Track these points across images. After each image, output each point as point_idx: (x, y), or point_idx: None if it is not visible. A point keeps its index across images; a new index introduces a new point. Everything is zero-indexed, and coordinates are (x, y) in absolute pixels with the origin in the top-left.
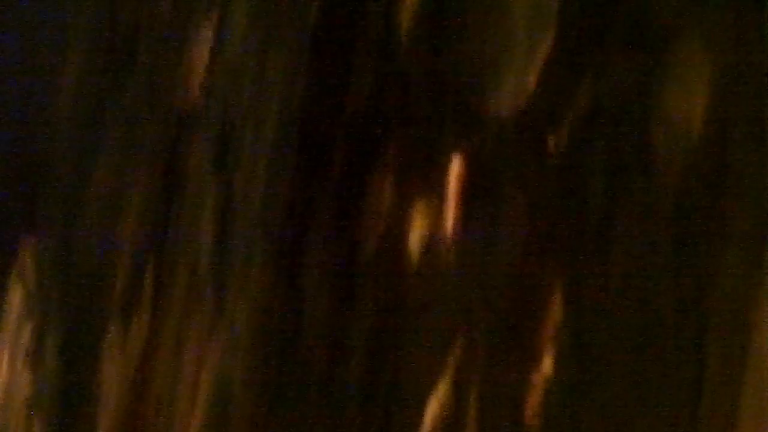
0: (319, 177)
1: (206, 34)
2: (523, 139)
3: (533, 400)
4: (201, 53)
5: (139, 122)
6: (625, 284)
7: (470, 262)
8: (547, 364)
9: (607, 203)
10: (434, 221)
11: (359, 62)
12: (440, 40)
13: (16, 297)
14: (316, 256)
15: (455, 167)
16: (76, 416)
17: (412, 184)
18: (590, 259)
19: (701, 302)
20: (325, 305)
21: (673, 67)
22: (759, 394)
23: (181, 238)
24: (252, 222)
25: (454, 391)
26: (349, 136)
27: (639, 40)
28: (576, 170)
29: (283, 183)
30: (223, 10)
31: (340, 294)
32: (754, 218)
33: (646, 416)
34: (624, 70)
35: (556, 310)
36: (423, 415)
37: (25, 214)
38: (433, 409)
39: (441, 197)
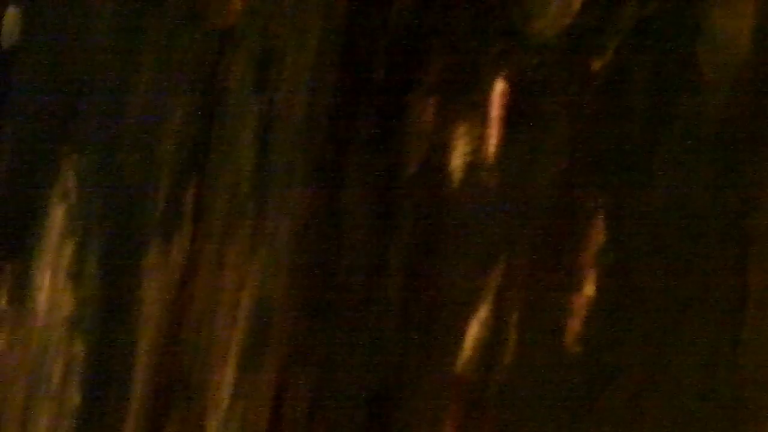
0: (361, 96)
1: None
2: (566, 59)
3: (574, 324)
4: None
5: (179, 41)
6: (668, 206)
7: (512, 184)
8: (589, 287)
9: (652, 124)
10: (476, 143)
11: None
12: None
13: (57, 215)
14: (356, 176)
15: (498, 88)
16: (116, 335)
17: (454, 105)
18: (633, 180)
19: (745, 225)
20: (365, 225)
21: None
22: None
23: (222, 158)
24: (293, 142)
25: (495, 314)
26: (391, 56)
27: None
28: (620, 91)
29: (324, 103)
30: None
31: (381, 214)
32: None
33: (687, 340)
34: None
35: (598, 233)
36: (463, 337)
37: (66, 133)
38: (473, 331)
39: (483, 118)
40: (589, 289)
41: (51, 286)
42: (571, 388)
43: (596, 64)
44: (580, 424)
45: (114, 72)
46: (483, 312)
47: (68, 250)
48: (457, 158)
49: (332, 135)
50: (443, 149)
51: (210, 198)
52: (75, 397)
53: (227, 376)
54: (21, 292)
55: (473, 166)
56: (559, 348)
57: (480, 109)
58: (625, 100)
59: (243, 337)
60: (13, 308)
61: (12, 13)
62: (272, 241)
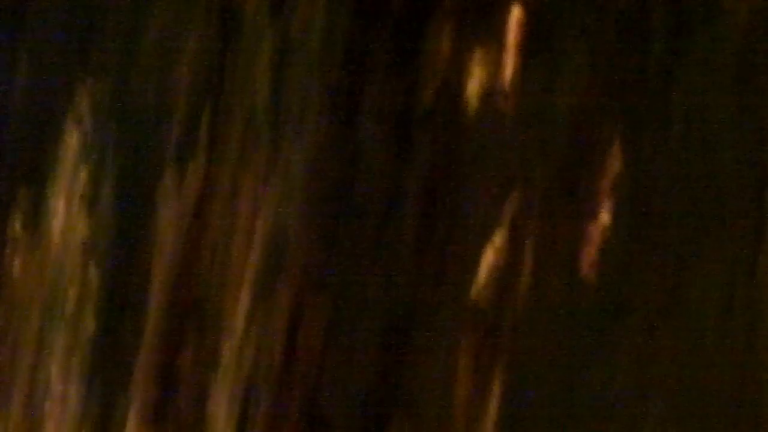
0: (377, 23)
1: None
2: None
3: (590, 252)
4: None
5: None
6: (686, 135)
7: (529, 111)
8: (605, 216)
9: (669, 52)
10: (493, 70)
11: None
12: None
13: (72, 141)
14: (373, 104)
15: (515, 15)
16: (131, 261)
17: (471, 32)
18: (651, 109)
19: (762, 152)
20: (381, 152)
21: None
22: None
23: (237, 84)
24: (308, 68)
25: (510, 242)
26: None
27: None
28: (638, 19)
29: (340, 29)
30: None
31: (397, 141)
32: None
33: (703, 268)
34: None
35: (614, 162)
36: (478, 265)
37: (81, 59)
38: (488, 258)
39: (500, 46)
40: (606, 218)
41: (65, 212)
42: (586, 317)
43: None
44: (595, 352)
45: None
46: (498, 240)
47: (83, 175)
48: (474, 85)
49: (348, 62)
50: (460, 76)
51: (225, 125)
52: (90, 323)
53: (242, 303)
54: (35, 217)
55: (490, 93)
56: (574, 276)
57: (497, 36)
58: (643, 28)
59: (258, 265)
60: (28, 233)
61: None
62: (287, 169)
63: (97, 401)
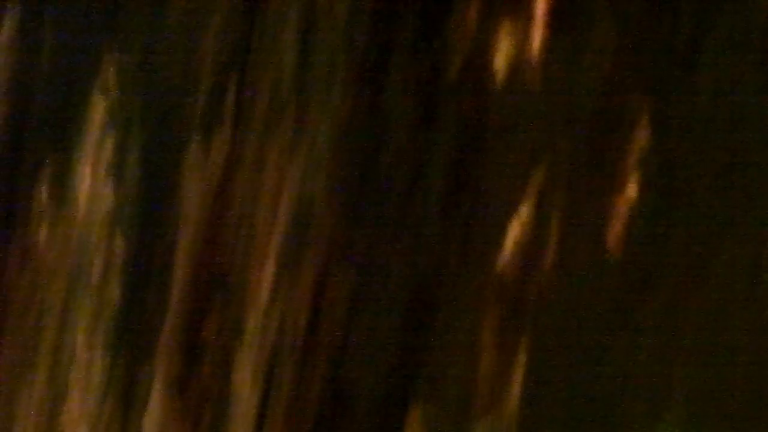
0: None
1: None
2: None
3: (616, 227)
4: None
5: None
6: (713, 109)
7: (556, 84)
8: (632, 190)
9: (697, 24)
10: (520, 42)
11: None
12: None
13: (98, 110)
14: (399, 77)
15: None
16: (157, 230)
17: (498, 4)
18: (678, 83)
19: None
20: (407, 124)
21: None
22: None
23: (264, 54)
24: (335, 39)
25: (536, 215)
26: None
27: None
28: None
29: (367, 1)
30: None
31: (423, 113)
32: None
33: (730, 242)
34: None
35: (642, 134)
36: (504, 238)
37: (108, 28)
38: (514, 231)
39: (528, 18)
40: (632, 192)
41: (91, 182)
42: (611, 291)
43: None
44: (620, 327)
45: None
46: (524, 213)
47: (109, 145)
48: (501, 58)
49: (375, 34)
50: (487, 48)
51: (251, 97)
52: (115, 293)
53: (267, 274)
54: (61, 186)
55: (516, 66)
56: (600, 250)
57: (524, 8)
58: (670, 1)
59: (283, 236)
60: (54, 202)
61: None
62: (313, 141)
63: (121, 370)
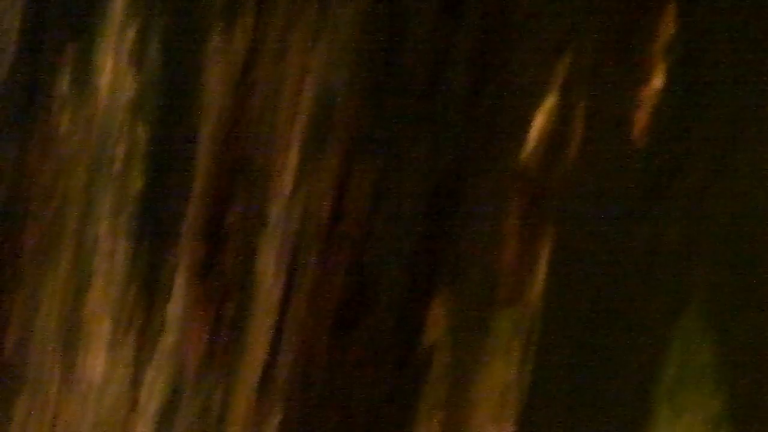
0: None
1: None
2: None
3: (642, 116)
4: None
5: None
6: None
7: None
8: (658, 79)
9: None
10: None
11: None
12: None
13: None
14: None
15: None
16: (178, 119)
17: None
18: None
19: None
20: (430, 14)
21: None
22: None
23: None
24: None
25: (561, 106)
26: None
27: None
28: None
29: None
30: None
31: (446, 4)
32: None
33: (757, 130)
34: None
35: (668, 23)
36: (528, 129)
37: None
38: (538, 123)
39: None
40: (658, 81)
41: (113, 70)
42: (636, 181)
43: None
44: (644, 217)
45: None
46: (549, 103)
47: (130, 33)
48: None
49: None
50: None
51: None
52: (137, 181)
53: (290, 162)
54: (83, 74)
55: None
56: (625, 140)
57: None
58: None
59: (306, 124)
60: (76, 91)
61: None
62: (336, 30)
63: (144, 258)
